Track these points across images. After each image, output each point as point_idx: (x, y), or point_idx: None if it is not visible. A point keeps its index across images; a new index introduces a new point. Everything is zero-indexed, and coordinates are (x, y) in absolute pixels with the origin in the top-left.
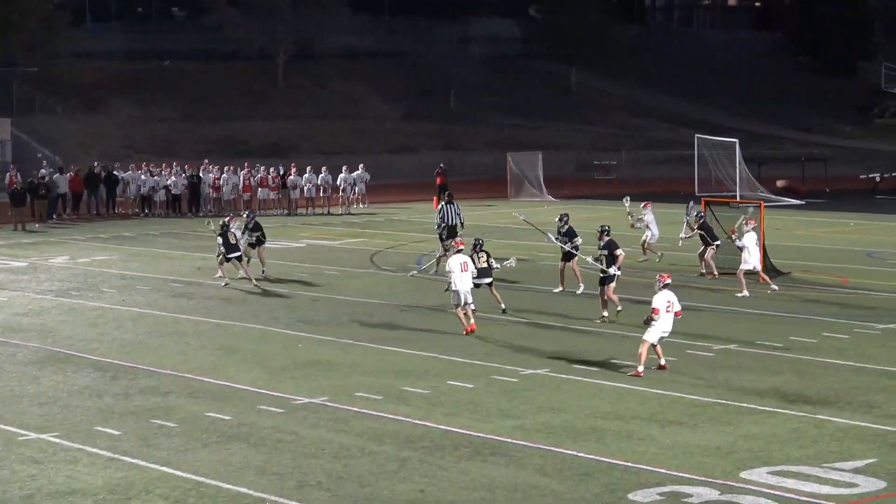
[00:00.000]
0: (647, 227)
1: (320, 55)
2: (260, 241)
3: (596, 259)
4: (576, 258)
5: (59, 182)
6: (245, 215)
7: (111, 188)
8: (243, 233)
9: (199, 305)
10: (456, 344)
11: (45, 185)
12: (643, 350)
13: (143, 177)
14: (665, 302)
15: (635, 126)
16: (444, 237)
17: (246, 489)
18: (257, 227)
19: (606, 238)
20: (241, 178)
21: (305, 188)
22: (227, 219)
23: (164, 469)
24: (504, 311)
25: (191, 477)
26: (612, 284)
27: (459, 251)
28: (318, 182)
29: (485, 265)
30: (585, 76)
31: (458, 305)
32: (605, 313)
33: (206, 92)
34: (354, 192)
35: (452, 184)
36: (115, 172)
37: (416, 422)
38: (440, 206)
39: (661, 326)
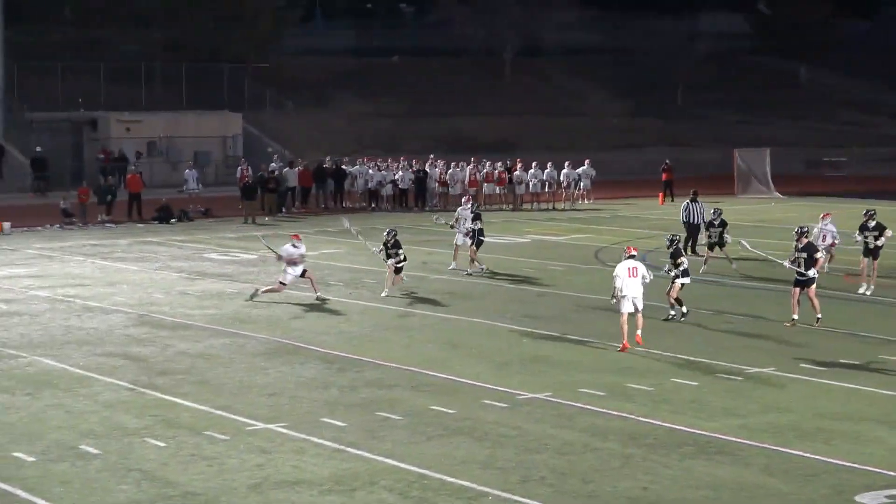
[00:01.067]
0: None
1: (546, 51)
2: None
3: (793, 262)
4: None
5: (288, 176)
6: (385, 233)
7: (339, 182)
8: (380, 251)
9: (424, 299)
10: (679, 341)
11: (275, 178)
12: None
13: (370, 171)
14: None
15: (865, 123)
16: (689, 237)
17: (469, 483)
18: (397, 245)
19: (805, 240)
20: (468, 173)
21: (531, 183)
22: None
23: (389, 461)
24: (685, 314)
25: (415, 469)
26: (813, 287)
27: (631, 256)
28: (544, 177)
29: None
30: (815, 72)
31: (623, 313)
32: (796, 316)
33: (432, 87)
34: (579, 188)
35: (677, 181)
36: (342, 167)
37: (640, 419)
38: (685, 204)
39: None
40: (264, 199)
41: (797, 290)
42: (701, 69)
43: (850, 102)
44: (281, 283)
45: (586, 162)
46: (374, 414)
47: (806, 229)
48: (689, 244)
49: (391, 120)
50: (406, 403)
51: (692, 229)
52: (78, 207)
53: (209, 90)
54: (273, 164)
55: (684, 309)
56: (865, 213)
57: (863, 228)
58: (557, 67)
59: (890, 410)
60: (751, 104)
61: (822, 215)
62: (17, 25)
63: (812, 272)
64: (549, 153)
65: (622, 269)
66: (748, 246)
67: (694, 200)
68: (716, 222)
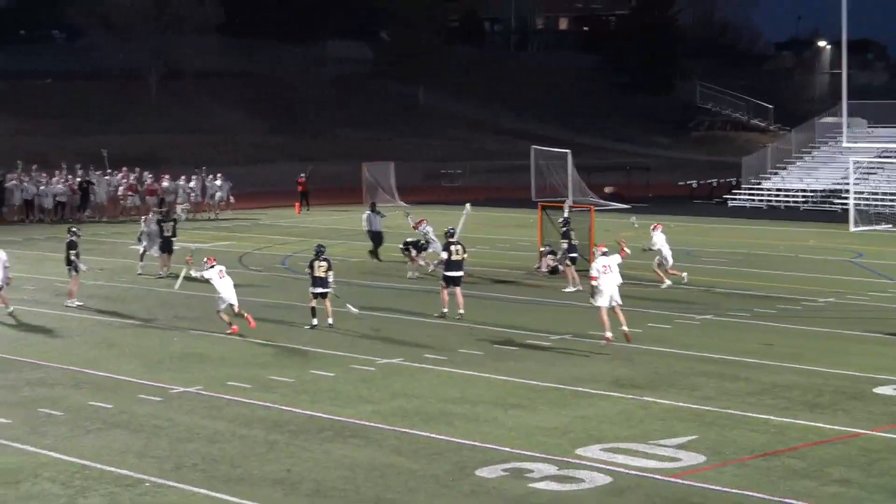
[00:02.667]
0: (659, 250)
1: (188, 75)
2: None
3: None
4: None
5: None
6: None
7: None
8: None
9: (82, 305)
10: (318, 336)
11: None
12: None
13: (25, 184)
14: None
15: (476, 139)
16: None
17: (127, 471)
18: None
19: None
20: (117, 185)
21: (178, 194)
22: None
23: (52, 454)
24: (332, 326)
25: (76, 461)
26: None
27: (212, 267)
28: (188, 190)
29: (322, 275)
30: (431, 94)
31: (218, 310)
32: (446, 310)
33: (84, 108)
34: (222, 199)
35: (312, 192)
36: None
37: (283, 408)
38: (366, 214)
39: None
40: None
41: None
42: (329, 91)
43: (462, 121)
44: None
45: (219, 176)
46: (36, 411)
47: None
48: (375, 251)
49: (43, 137)
50: (66, 400)
51: (375, 237)
52: None
53: None
54: None
55: (314, 321)
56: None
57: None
58: (198, 90)
59: (503, 394)
60: (374, 123)
61: (651, 227)
62: None
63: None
64: (192, 168)
65: (213, 273)
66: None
67: (374, 210)
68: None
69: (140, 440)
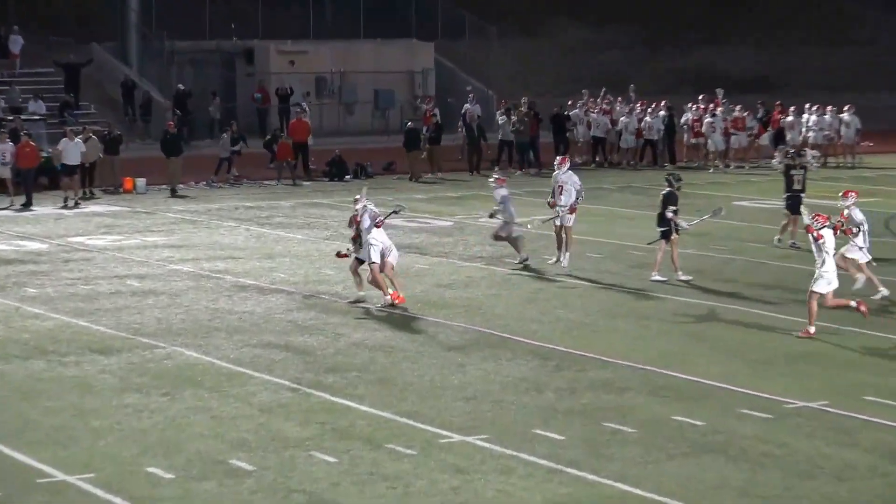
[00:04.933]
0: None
1: None
2: None
3: None
4: None
5: (502, 126)
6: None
7: (559, 132)
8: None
9: (663, 280)
10: None
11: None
12: None
13: (595, 116)
14: None
15: None
16: None
17: None
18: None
19: None
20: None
21: (805, 132)
22: None
23: (619, 486)
24: None
25: (652, 497)
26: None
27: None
28: (820, 125)
29: None
30: None
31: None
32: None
33: (670, 13)
34: (851, 139)
35: None
36: (565, 112)
37: None
38: None
39: None
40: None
41: None
42: None
43: None
44: None
45: (848, 108)
46: (599, 425)
47: None
48: None
49: (616, 52)
50: (640, 411)
51: None
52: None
53: (392, 14)
54: (467, 105)
55: None
56: None
57: None
58: None
59: None
60: None
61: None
62: None
63: None
64: (826, 94)
65: None
66: None
67: None
68: None
69: (742, 472)
